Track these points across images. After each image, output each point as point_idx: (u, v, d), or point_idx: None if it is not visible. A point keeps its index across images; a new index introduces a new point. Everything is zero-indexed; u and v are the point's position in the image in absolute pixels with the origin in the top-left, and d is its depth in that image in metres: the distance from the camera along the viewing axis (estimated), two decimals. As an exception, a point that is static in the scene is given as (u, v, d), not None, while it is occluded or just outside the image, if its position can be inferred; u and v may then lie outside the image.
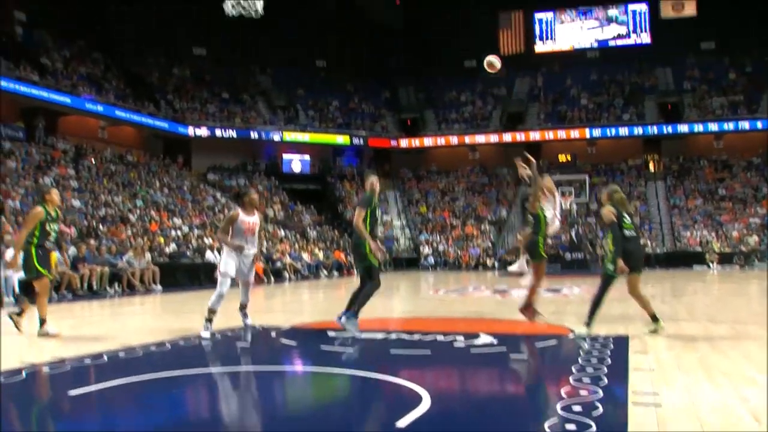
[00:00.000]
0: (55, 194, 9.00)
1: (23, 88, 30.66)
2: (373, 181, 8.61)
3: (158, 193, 31.43)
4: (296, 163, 44.42)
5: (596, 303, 8.13)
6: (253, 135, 42.47)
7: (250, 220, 8.59)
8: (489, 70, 10.15)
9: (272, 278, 24.26)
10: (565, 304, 12.98)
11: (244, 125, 42.48)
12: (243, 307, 8.93)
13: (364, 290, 8.33)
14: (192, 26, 42.70)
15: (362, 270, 8.47)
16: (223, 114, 42.71)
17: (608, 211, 8.16)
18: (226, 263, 8.45)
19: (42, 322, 8.69)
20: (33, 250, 8.66)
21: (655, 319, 8.13)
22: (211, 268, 22.56)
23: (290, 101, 46.72)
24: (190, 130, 39.99)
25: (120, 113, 35.75)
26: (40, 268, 8.68)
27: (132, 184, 31.11)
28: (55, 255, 18.61)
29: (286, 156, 44.25)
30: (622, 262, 7.97)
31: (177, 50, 44.83)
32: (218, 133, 40.92)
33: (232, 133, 41.45)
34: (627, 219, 8.24)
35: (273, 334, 8.25)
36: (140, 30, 41.76)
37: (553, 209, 10.00)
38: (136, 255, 19.63)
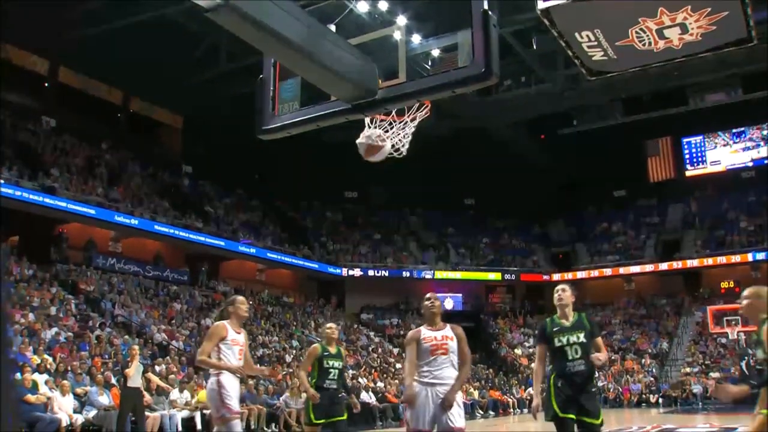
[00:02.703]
0: (328, 329, 8.20)
1: (189, 235, 32.45)
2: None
3: (313, 334, 32.04)
4: (448, 300, 44.41)
5: None
6: (405, 274, 42.98)
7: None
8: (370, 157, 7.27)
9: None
10: None
11: (395, 265, 43.13)
12: None
13: None
14: (343, 171, 44.44)
15: None
16: (375, 255, 43.60)
17: None
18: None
19: None
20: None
21: None
22: (367, 409, 22.62)
23: (440, 240, 47.26)
24: (344, 271, 40.95)
25: (276, 256, 37.09)
26: (310, 415, 7.72)
27: (288, 325, 31.92)
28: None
29: (446, 294, 44.41)
30: None
31: (330, 195, 46.58)
32: (371, 273, 41.69)
33: (384, 273, 42.11)
34: None
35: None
36: (295, 177, 43.75)
37: None
38: (292, 395, 19.89)
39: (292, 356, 26.70)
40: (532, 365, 6.95)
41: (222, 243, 33.92)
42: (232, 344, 6.78)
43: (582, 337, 6.22)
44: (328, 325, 8.19)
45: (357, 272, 41.23)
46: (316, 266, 39.64)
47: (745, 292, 5.82)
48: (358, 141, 6.87)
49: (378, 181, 42.72)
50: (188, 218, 33.50)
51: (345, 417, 7.87)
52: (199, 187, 38.77)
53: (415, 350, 6.09)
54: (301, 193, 44.86)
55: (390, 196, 45.40)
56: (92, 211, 28.13)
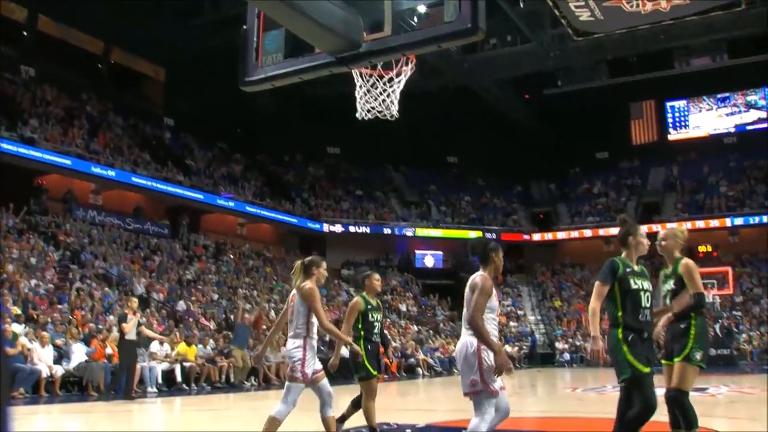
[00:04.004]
0: (376, 280, 7.89)
1: (169, 188, 32.28)
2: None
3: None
4: (429, 258, 44.61)
5: None
6: (386, 231, 43.06)
7: None
8: None
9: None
10: (713, 405, 12.30)
11: (377, 221, 43.19)
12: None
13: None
14: (327, 126, 44.17)
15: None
16: (357, 211, 43.61)
17: None
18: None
19: (372, 430, 7.55)
20: (362, 345, 7.58)
21: None
22: (345, 362, 22.76)
23: (422, 197, 47.32)
24: (325, 227, 40.94)
25: (256, 210, 37.02)
26: (369, 367, 7.57)
27: (269, 279, 32.00)
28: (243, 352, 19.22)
29: (418, 251, 44.54)
30: None
31: (312, 150, 46.43)
32: (352, 229, 41.71)
33: (365, 229, 42.17)
34: None
35: (408, 431, 8.17)
36: (278, 131, 43.50)
37: None
38: (272, 349, 19.98)
39: (273, 310, 26.73)
40: (589, 306, 5.92)
41: (201, 196, 33.78)
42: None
43: (650, 286, 5.85)
44: (376, 276, 7.89)
45: (338, 228, 41.24)
46: (296, 221, 39.58)
47: (662, 234, 6.13)
48: None
49: (361, 138, 42.59)
50: (169, 171, 33.30)
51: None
52: (180, 140, 38.50)
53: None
54: (284, 148, 44.66)
55: (373, 153, 45.24)
56: (69, 162, 27.86)
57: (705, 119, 49.06)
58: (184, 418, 11.81)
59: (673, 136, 49.59)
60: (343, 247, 41.41)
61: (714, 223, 41.55)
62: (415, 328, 32.93)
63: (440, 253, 44.95)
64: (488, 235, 44.87)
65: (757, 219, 41.32)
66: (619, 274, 5.47)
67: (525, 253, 46.82)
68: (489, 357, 5.39)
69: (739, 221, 41.54)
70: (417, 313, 37.07)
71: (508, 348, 32.42)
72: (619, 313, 5.46)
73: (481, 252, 5.96)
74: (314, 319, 6.62)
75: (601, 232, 45.12)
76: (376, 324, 7.60)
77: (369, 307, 7.56)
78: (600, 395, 15.38)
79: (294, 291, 6.76)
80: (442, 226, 44.77)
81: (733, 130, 48.39)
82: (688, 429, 5.68)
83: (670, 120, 49.82)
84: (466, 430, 5.39)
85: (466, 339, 5.52)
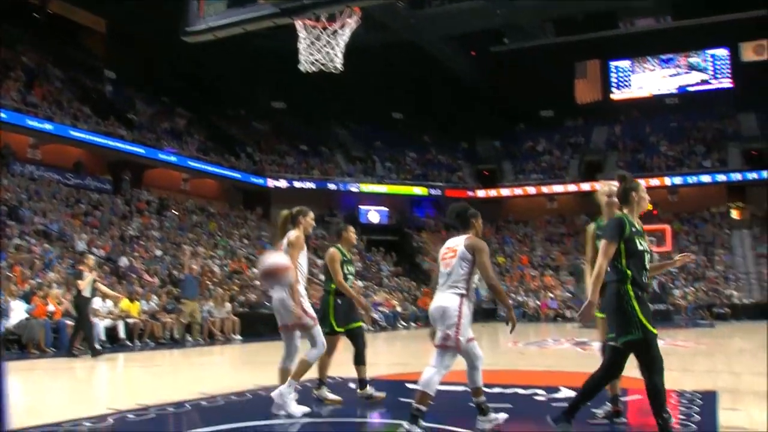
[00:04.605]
0: (352, 233, 7.87)
1: (109, 142, 31.69)
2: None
3: (238, 243, 31.98)
4: (374, 214, 44.65)
5: None
6: (331, 186, 42.96)
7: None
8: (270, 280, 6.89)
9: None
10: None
11: (322, 177, 43.04)
12: None
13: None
14: (272, 81, 43.60)
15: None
16: (302, 166, 43.37)
17: None
18: None
19: (320, 383, 7.49)
20: (331, 300, 7.50)
21: None
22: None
23: (368, 153, 47.23)
24: (269, 182, 40.65)
25: (200, 165, 36.57)
26: (333, 323, 7.43)
27: (213, 235, 31.75)
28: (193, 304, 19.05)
29: (363, 207, 44.55)
30: None
31: (257, 104, 45.91)
32: (297, 184, 41.49)
33: (310, 185, 41.98)
34: None
35: (351, 385, 8.21)
36: (222, 86, 42.90)
37: None
38: (216, 305, 19.92)
39: (217, 266, 26.58)
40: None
41: (143, 151, 33.23)
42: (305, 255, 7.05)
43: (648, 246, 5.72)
44: (352, 228, 7.89)
45: (283, 183, 41.01)
46: (240, 176, 39.24)
47: (609, 189, 6.19)
48: (263, 264, 6.63)
49: (307, 93, 42.18)
50: (110, 125, 32.65)
51: (361, 324, 7.71)
52: (122, 94, 37.70)
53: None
54: (228, 103, 44.09)
55: (318, 109, 44.93)
56: (4, 115, 27.04)
57: (648, 80, 49.73)
58: (128, 374, 11.74)
59: (617, 95, 50.21)
60: (288, 203, 40.20)
61: (654, 182, 42.24)
62: (360, 283, 33.05)
63: (385, 209, 45.03)
64: (433, 192, 45.19)
65: (695, 179, 42.22)
66: (626, 234, 5.29)
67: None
68: (467, 315, 5.68)
69: (678, 180, 42.40)
70: (362, 268, 37.19)
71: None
72: (628, 272, 5.27)
73: (462, 217, 6.06)
74: (302, 266, 6.85)
75: (545, 189, 45.70)
76: (349, 277, 7.57)
77: (344, 259, 7.54)
78: (541, 349, 15.67)
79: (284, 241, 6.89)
80: (387, 182, 44.82)
81: (675, 91, 49.15)
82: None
83: (613, 80, 50.41)
84: (421, 379, 5.57)
85: (449, 297, 5.71)
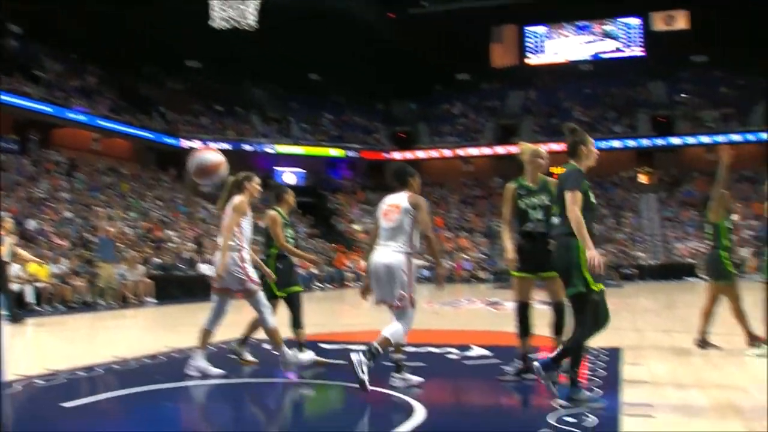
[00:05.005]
0: (291, 196, 7.80)
1: (16, 100, 30.60)
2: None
3: (151, 205, 31.41)
4: (289, 175, 44.37)
5: None
6: (247, 147, 42.49)
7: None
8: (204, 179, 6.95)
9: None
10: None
11: (237, 138, 42.49)
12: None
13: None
14: (186, 39, 42.65)
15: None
16: (217, 126, 42.72)
17: None
18: None
19: (243, 341, 7.44)
20: (271, 264, 7.34)
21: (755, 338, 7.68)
22: (204, 281, 22.56)
23: (284, 114, 46.80)
24: (183, 143, 39.94)
25: (110, 125, 35.67)
26: (273, 287, 7.29)
27: (125, 196, 31.09)
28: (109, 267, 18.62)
29: (279, 168, 44.22)
30: None
31: (171, 63, 44.87)
32: (211, 145, 40.78)
33: (225, 146, 41.34)
34: None
35: (266, 346, 8.23)
36: (135, 43, 41.75)
37: None
38: (129, 267, 19.58)
39: (129, 228, 26.08)
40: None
41: (50, 109, 32.22)
42: (250, 220, 6.93)
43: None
44: (291, 192, 7.81)
45: (197, 144, 40.32)
46: (153, 136, 38.45)
47: (538, 151, 6.32)
48: (191, 162, 6.68)
49: (221, 52, 41.47)
50: (16, 82, 31.49)
51: (301, 288, 7.64)
52: (29, 49, 36.32)
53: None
54: (141, 60, 42.94)
55: (234, 69, 44.19)
56: None
57: (563, 46, 50.38)
58: (37, 340, 11.48)
59: (532, 60, 50.75)
60: (203, 164, 40.61)
61: (567, 146, 42.97)
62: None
63: (301, 170, 44.85)
64: (349, 153, 45.14)
65: (606, 144, 43.18)
66: (583, 187, 5.25)
67: (385, 171, 47.29)
68: (414, 271, 5.91)
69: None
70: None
71: (365, 264, 32.93)
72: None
73: (401, 176, 6.26)
74: (246, 231, 6.78)
75: (461, 152, 46.13)
76: (290, 240, 7.49)
77: (285, 222, 7.47)
78: (455, 309, 15.94)
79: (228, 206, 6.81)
80: (303, 144, 44.63)
81: (589, 58, 49.99)
82: (560, 333, 6.12)
83: (529, 45, 50.90)
84: (390, 333, 5.77)
85: (395, 255, 5.89)
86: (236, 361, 7.25)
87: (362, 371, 5.51)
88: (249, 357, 7.36)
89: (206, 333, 6.69)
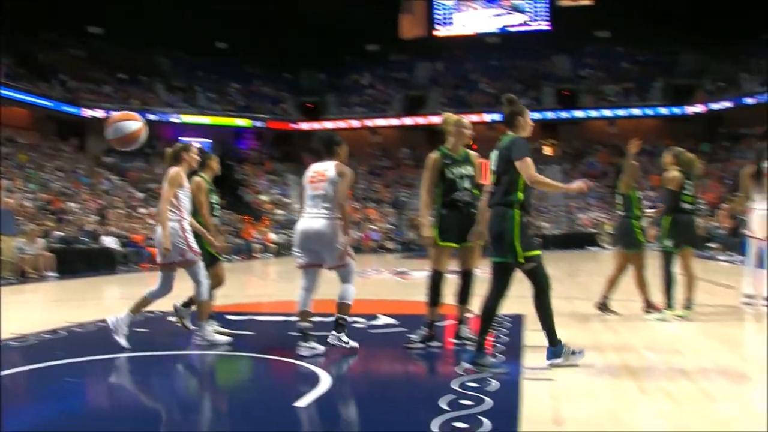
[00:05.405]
0: (215, 161, 7.59)
1: None
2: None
3: (51, 176, 30.48)
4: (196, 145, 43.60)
5: (669, 283, 7.91)
6: (151, 117, 41.48)
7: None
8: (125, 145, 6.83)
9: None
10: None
11: (141, 107, 41.48)
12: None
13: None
14: (86, 3, 41.31)
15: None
16: (120, 95, 41.60)
17: (675, 177, 8.03)
18: None
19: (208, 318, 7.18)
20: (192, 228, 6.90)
21: (688, 306, 7.97)
22: (108, 254, 22.08)
23: (189, 83, 45.91)
24: (85, 112, 38.78)
25: (9, 93, 34.36)
26: (210, 250, 7.18)
27: (23, 167, 30.06)
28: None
29: (185, 139, 43.33)
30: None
31: (72, 28, 43.37)
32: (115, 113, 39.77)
33: (129, 115, 40.37)
34: (690, 188, 8.09)
35: (172, 318, 8.12)
36: (32, 7, 40.19)
37: None
38: (28, 240, 18.96)
39: (29, 200, 25.26)
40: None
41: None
42: (188, 190, 6.79)
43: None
44: (216, 158, 7.64)
45: (99, 113, 39.20)
46: (52, 105, 37.22)
47: (461, 121, 6.39)
48: (109, 130, 6.59)
49: (125, 18, 40.39)
50: None
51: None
52: None
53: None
54: (39, 25, 41.35)
55: (138, 35, 43.05)
56: None
57: (471, 18, 50.75)
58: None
59: (440, 32, 51.00)
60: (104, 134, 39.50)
61: (474, 118, 43.48)
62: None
63: (207, 140, 44.13)
64: (256, 124, 44.69)
65: (512, 115, 43.74)
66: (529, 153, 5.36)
67: (293, 141, 47.05)
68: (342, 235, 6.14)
69: (496, 117, 43.74)
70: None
71: (273, 236, 32.81)
72: (519, 194, 5.29)
73: (328, 145, 6.45)
74: (184, 202, 6.68)
75: (369, 123, 46.16)
76: (216, 207, 7.42)
77: (210, 189, 7.33)
78: (362, 279, 15.98)
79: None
80: (209, 113, 43.91)
81: (497, 30, 50.52)
82: (466, 302, 6.38)
83: (438, 17, 51.11)
84: (345, 297, 6.26)
85: (324, 221, 6.09)
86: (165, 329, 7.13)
87: (346, 342, 6.07)
88: (224, 330, 7.25)
89: (145, 301, 6.72)
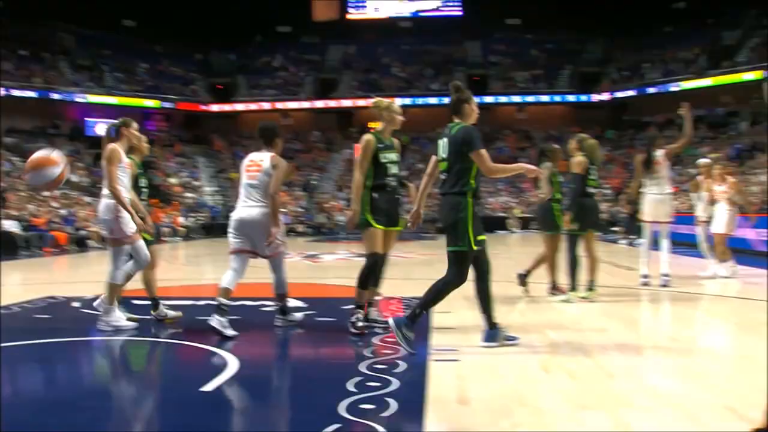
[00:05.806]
0: (145, 143, 7.53)
1: None
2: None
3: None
4: (102, 126, 42.39)
5: (574, 265, 8.11)
6: (55, 96, 40.28)
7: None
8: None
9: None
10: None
11: (44, 86, 40.18)
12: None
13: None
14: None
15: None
16: (21, 73, 40.19)
17: (580, 162, 8.22)
18: None
19: (155, 302, 7.23)
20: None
21: (591, 288, 8.26)
22: (9, 238, 21.36)
23: (95, 62, 44.67)
24: (-17, 90, 37.39)
25: None
26: (146, 236, 7.04)
27: None
28: None
29: (90, 119, 42.22)
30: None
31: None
32: (15, 93, 38.42)
33: (31, 94, 39.09)
34: (594, 173, 8.32)
35: (76, 304, 7.94)
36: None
37: None
38: None
39: None
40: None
41: None
42: (127, 168, 6.69)
43: None
44: (145, 138, 7.52)
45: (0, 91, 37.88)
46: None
47: (394, 106, 6.47)
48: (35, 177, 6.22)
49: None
50: None
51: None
52: None
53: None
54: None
55: (40, 10, 41.62)
56: None
57: (384, 2, 50.73)
58: None
59: (353, 15, 50.87)
60: (6, 113, 38.11)
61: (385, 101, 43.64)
62: (88, 199, 31.62)
63: (114, 121, 43.09)
64: (165, 105, 43.90)
65: (423, 100, 44.21)
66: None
67: (202, 123, 46.39)
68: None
69: (408, 101, 44.03)
70: (89, 183, 35.54)
71: (182, 219, 32.33)
72: (472, 182, 5.41)
73: (267, 135, 6.55)
74: (123, 179, 6.59)
75: (280, 105, 45.88)
76: (144, 189, 7.45)
77: (139, 172, 7.33)
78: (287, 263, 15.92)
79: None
80: (116, 94, 42.83)
81: (409, 15, 50.67)
82: (377, 285, 6.48)
83: (351, 0, 50.94)
84: (281, 286, 6.67)
85: (258, 210, 6.27)
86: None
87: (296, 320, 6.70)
88: (172, 313, 7.23)
89: (112, 287, 6.62)
